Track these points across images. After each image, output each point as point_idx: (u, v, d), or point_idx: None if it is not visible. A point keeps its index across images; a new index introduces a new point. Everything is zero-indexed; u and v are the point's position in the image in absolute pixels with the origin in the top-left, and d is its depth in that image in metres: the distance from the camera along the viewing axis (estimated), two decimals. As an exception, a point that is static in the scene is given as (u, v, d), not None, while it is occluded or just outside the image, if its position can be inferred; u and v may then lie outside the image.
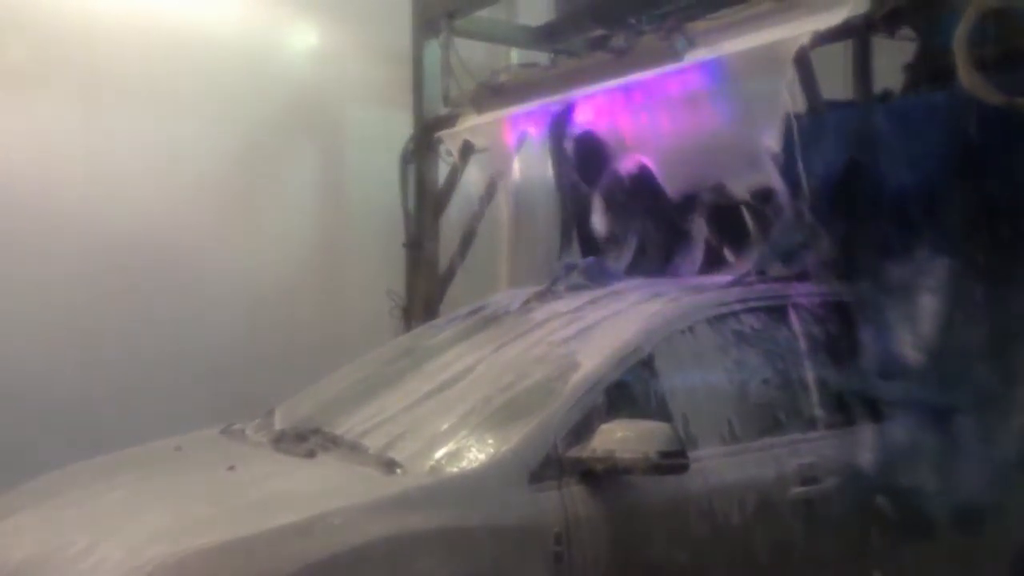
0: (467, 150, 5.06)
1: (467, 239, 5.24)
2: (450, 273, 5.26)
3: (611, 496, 2.69)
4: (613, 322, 3.11)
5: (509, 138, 4.76)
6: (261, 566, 2.30)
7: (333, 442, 2.95)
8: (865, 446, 3.09)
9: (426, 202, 5.31)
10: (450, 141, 5.12)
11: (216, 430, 3.36)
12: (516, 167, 4.72)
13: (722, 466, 2.88)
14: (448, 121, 5.16)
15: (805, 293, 3.31)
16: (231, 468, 2.81)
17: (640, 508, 2.73)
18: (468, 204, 5.23)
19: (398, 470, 2.69)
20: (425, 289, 5.28)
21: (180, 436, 3.28)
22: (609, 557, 2.66)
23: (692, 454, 2.72)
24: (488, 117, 4.91)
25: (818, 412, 3.12)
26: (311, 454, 2.89)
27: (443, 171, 5.26)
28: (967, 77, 3.04)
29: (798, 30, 3.37)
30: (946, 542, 3.15)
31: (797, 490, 2.97)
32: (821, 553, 2.97)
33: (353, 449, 2.88)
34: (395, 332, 4.95)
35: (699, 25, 3.85)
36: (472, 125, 5.00)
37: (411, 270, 5.38)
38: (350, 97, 5.90)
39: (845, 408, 3.19)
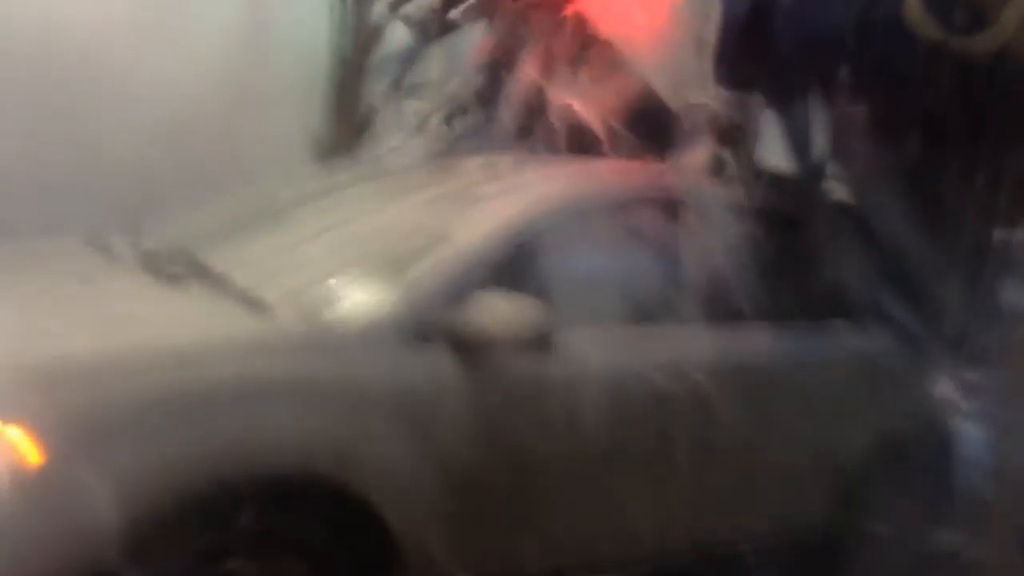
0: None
1: (396, 87, 5.02)
2: (373, 118, 5.05)
3: (478, 366, 2.63)
4: (510, 195, 3.01)
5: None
6: (99, 390, 2.17)
7: (203, 271, 2.81)
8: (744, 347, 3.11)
9: (358, 42, 5.07)
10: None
11: (82, 238, 3.17)
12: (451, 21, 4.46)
13: (592, 351, 2.83)
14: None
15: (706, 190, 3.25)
16: (86, 282, 2.66)
17: (505, 382, 2.68)
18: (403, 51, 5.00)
19: (265, 311, 2.57)
20: (346, 132, 5.09)
21: (42, 240, 3.10)
22: (469, 425, 2.61)
23: (564, 336, 2.68)
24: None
25: (699, 310, 3.06)
26: (176, 280, 2.75)
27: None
28: (914, 12, 2.98)
29: None
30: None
31: (662, 380, 2.93)
32: (679, 445, 2.96)
33: (222, 282, 2.74)
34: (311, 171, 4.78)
35: None
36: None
37: (335, 110, 5.16)
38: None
39: (731, 309, 3.14)
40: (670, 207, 3.18)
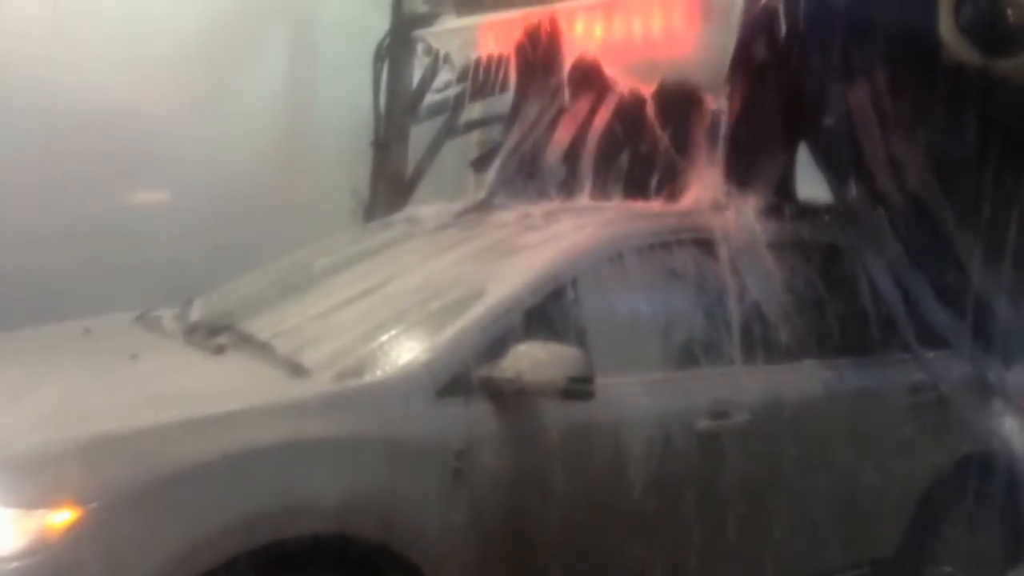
0: (443, 53, 4.89)
1: (436, 145, 5.10)
2: (416, 177, 5.14)
3: (517, 417, 2.65)
4: (541, 243, 3.04)
5: (484, 47, 4.58)
6: (146, 461, 2.25)
7: (245, 340, 2.90)
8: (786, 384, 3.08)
9: (398, 102, 5.16)
10: (427, 41, 4.94)
11: (132, 314, 3.29)
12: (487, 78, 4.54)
13: (632, 396, 2.83)
14: (427, 20, 4.97)
15: (740, 229, 3.23)
16: (134, 357, 2.75)
17: (545, 432, 2.69)
18: (442, 109, 5.09)
19: (304, 375, 2.63)
20: (389, 192, 5.17)
21: (94, 318, 3.22)
22: (510, 479, 2.64)
23: (603, 382, 2.66)
24: (467, 21, 4.72)
25: (739, 349, 3.05)
26: (220, 350, 2.84)
27: (419, 72, 5.09)
28: (949, 35, 2.97)
29: None
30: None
31: (706, 424, 2.92)
32: (725, 488, 2.95)
33: (263, 349, 2.82)
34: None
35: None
36: (450, 28, 4.81)
37: (377, 171, 5.25)
38: (327, -14, 5.70)
39: (769, 346, 3.12)
40: (706, 247, 3.17)
